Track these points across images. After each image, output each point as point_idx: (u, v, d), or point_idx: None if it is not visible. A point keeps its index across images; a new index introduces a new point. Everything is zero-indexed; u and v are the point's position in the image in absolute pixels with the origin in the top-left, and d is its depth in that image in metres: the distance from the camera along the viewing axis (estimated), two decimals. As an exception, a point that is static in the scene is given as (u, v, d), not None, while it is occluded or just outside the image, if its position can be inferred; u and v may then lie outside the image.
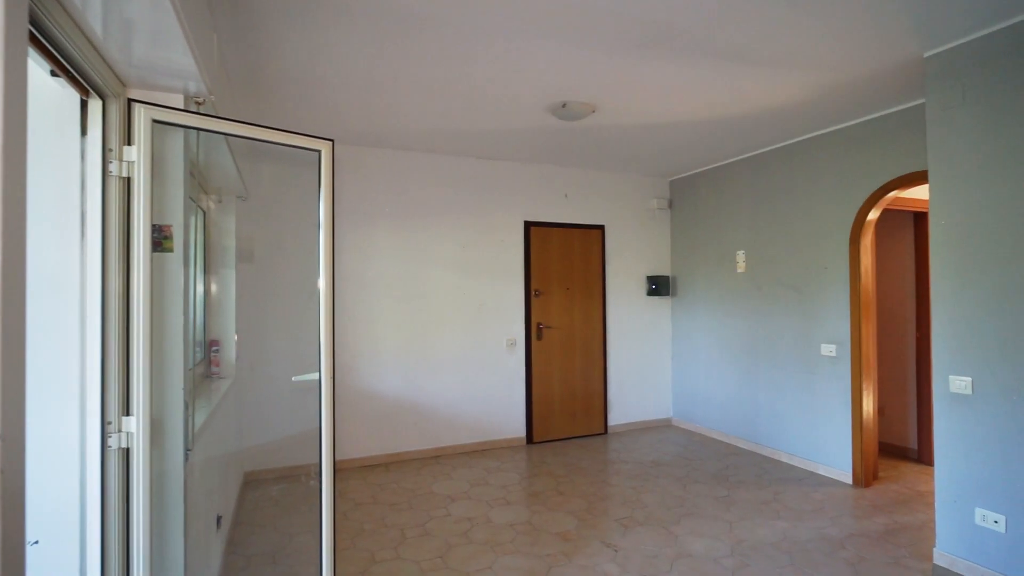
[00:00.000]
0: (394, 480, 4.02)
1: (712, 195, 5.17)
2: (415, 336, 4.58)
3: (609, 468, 4.27)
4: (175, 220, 1.78)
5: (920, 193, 4.06)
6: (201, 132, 1.98)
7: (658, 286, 5.53)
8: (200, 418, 2.22)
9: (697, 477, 4.03)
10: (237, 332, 3.57)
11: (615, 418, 5.40)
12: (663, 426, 5.57)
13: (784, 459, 4.37)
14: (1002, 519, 2.50)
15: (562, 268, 5.18)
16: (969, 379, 2.61)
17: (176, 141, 1.79)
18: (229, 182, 3.30)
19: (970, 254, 2.61)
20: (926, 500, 3.55)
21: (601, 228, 5.37)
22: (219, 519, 2.69)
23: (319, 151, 2.06)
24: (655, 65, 2.90)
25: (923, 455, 4.36)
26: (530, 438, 4.98)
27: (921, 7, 2.33)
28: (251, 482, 3.98)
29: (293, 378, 1.94)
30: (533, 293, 5.03)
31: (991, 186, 2.53)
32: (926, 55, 2.79)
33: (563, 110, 3.49)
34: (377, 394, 4.44)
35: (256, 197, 4.02)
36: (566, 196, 5.21)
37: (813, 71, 2.99)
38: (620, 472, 4.16)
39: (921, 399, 4.41)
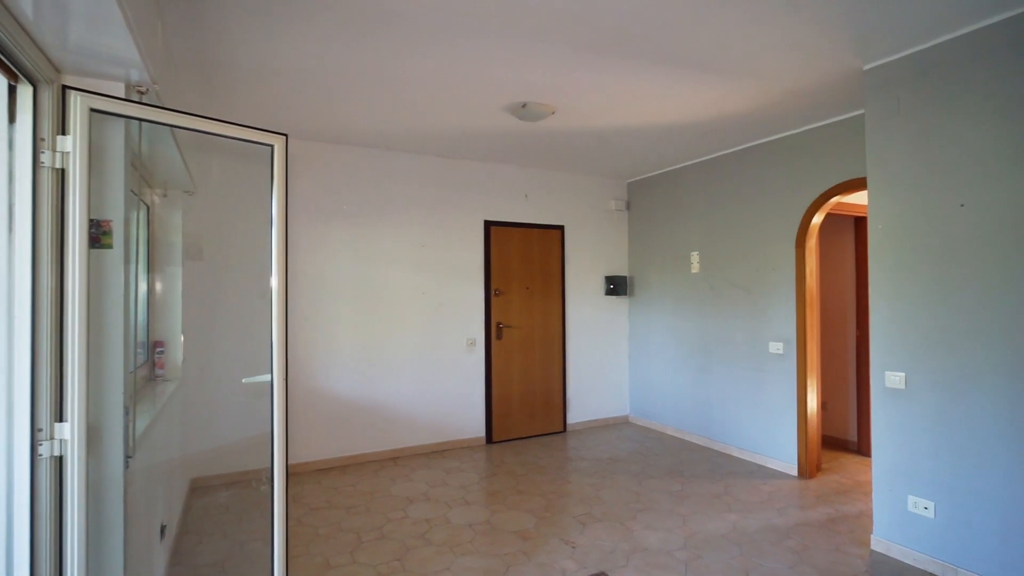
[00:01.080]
0: (351, 483, 3.95)
1: (668, 197, 5.30)
2: (373, 336, 4.51)
3: (568, 466, 4.32)
4: (115, 215, 1.68)
5: (860, 199, 4.28)
6: (145, 123, 1.88)
7: (616, 286, 5.63)
8: (142, 423, 2.11)
9: (653, 473, 4.12)
10: (184, 333, 3.42)
11: (574, 416, 5.47)
12: (621, 423, 5.67)
13: (735, 453, 4.52)
14: (932, 505, 2.67)
15: (522, 268, 5.20)
16: (903, 374, 2.77)
17: (116, 132, 1.70)
18: (175, 176, 3.16)
19: (904, 257, 2.78)
20: (864, 489, 3.74)
21: (561, 228, 5.43)
22: (163, 528, 2.57)
23: (272, 146, 2.00)
24: (614, 70, 2.95)
25: (862, 447, 4.60)
26: (490, 438, 4.98)
27: (861, 23, 2.46)
28: (198, 489, 3.83)
29: (244, 380, 1.87)
30: (493, 292, 5.03)
31: (923, 193, 2.70)
32: (866, 68, 2.94)
33: (523, 110, 3.51)
34: (333, 395, 4.35)
35: (205, 192, 3.86)
36: (526, 196, 5.24)
37: (763, 80, 3.11)
38: (579, 470, 4.22)
39: (860, 394, 4.65)
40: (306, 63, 2.85)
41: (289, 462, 4.15)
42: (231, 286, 3.97)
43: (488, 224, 5.03)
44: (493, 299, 5.03)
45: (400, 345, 4.62)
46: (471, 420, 4.93)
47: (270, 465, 1.99)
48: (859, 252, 4.65)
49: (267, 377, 2.00)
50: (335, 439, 4.35)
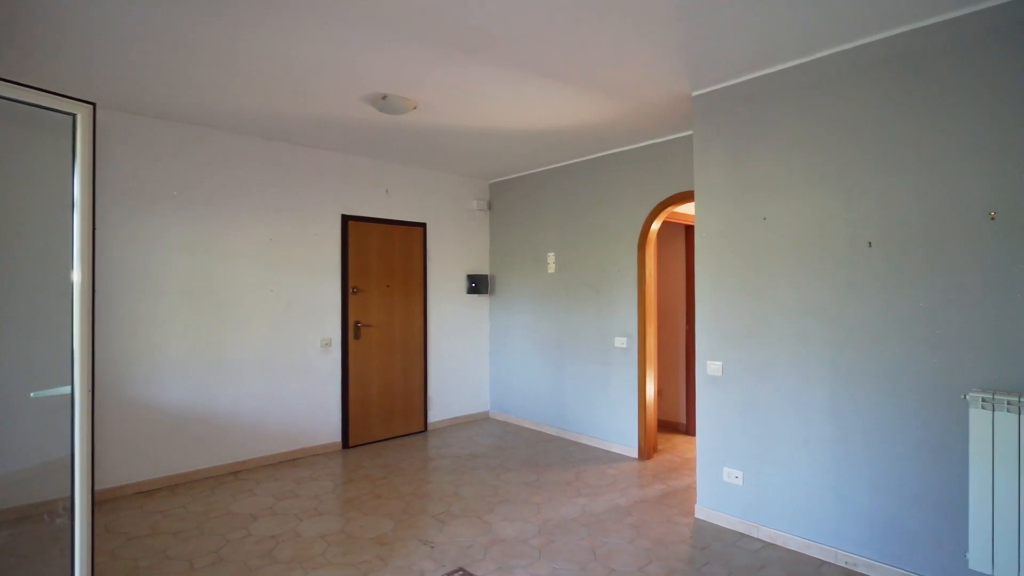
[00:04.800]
0: (181, 504, 3.50)
1: (528, 200, 5.51)
2: (210, 338, 4.04)
3: (428, 465, 4.28)
4: None
5: (690, 209, 4.85)
6: None
7: (478, 284, 5.71)
8: None
9: (510, 466, 4.26)
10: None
11: (435, 415, 5.44)
12: (481, 419, 5.78)
13: (586, 441, 4.85)
14: (741, 475, 3.11)
15: (382, 265, 5.04)
16: (720, 363, 3.20)
17: None
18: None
19: (722, 262, 3.20)
20: (691, 466, 4.25)
21: (423, 226, 5.36)
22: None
23: (75, 115, 1.69)
24: (477, 71, 2.98)
25: (690, 428, 5.22)
26: (346, 442, 4.76)
27: (690, 55, 2.78)
28: (-29, 530, 3.11)
29: (32, 394, 1.54)
30: (351, 290, 4.81)
31: (736, 206, 3.13)
32: (694, 94, 3.33)
33: (383, 103, 3.40)
34: (159, 406, 3.82)
35: (-18, 165, 3.15)
36: (387, 192, 5.09)
37: (614, 97, 3.37)
38: (439, 468, 4.21)
39: (689, 381, 5.27)
40: (137, 23, 2.45)
41: (99, 487, 3.56)
42: (18, 281, 3.28)
43: (346, 218, 4.79)
44: (351, 297, 4.81)
45: (244, 347, 4.21)
46: (326, 425, 4.66)
47: (70, 493, 1.68)
48: (689, 257, 5.26)
49: (66, 389, 1.69)
50: (162, 456, 3.83)
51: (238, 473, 4.10)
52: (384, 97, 3.36)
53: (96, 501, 3.54)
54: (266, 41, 2.64)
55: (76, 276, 1.70)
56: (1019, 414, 2.13)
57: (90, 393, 1.70)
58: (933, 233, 2.44)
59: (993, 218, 2.29)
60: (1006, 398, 2.17)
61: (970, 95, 2.35)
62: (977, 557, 2.23)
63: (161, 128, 3.85)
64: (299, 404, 4.50)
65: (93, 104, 1.72)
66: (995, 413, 2.19)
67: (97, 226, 3.58)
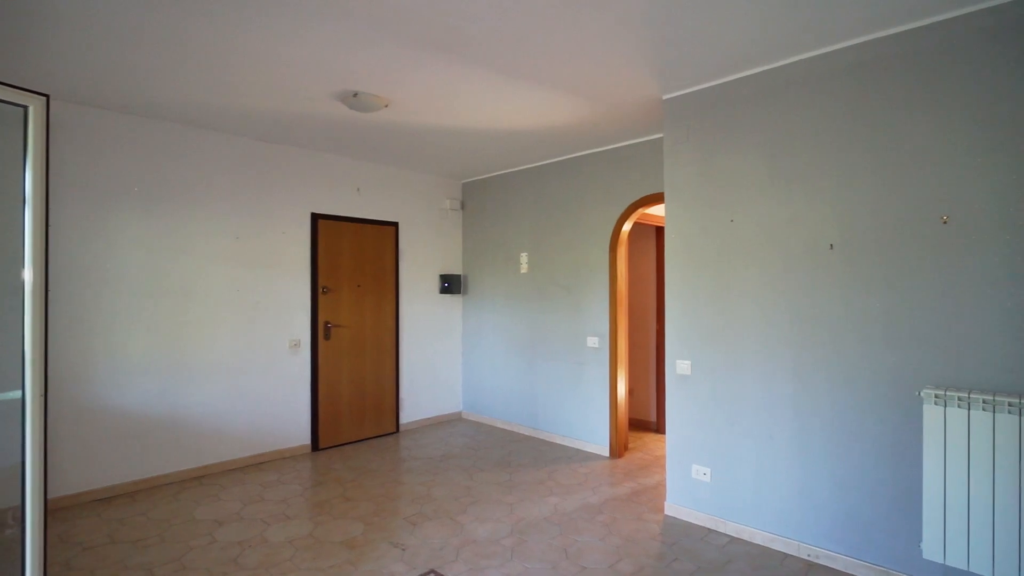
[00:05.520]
0: (142, 511, 3.39)
1: (501, 199, 5.51)
2: (173, 339, 3.92)
3: (400, 467, 4.24)
4: None
5: (661, 211, 4.92)
6: None
7: (450, 284, 5.69)
8: None
9: (483, 466, 4.25)
10: None
11: (407, 416, 5.40)
12: (454, 420, 5.75)
13: (558, 440, 4.88)
14: (709, 471, 3.17)
15: (353, 264, 4.97)
16: (689, 362, 3.26)
17: None
18: None
19: (691, 263, 3.26)
20: (661, 463, 4.32)
21: (395, 225, 5.31)
22: None
23: (26, 107, 1.62)
24: (451, 71, 2.97)
25: (660, 426, 5.30)
26: (316, 445, 4.68)
27: (661, 59, 2.82)
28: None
29: (-21, 399, 1.46)
30: (321, 290, 4.73)
31: (704, 209, 3.20)
32: (664, 98, 3.39)
33: (354, 100, 3.35)
34: (120, 409, 3.69)
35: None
36: (358, 190, 5.02)
37: (586, 99, 3.40)
38: (411, 469, 4.17)
39: (659, 380, 5.36)
40: (99, 13, 2.36)
41: (54, 495, 3.43)
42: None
43: (316, 217, 4.71)
44: (321, 297, 4.73)
45: (209, 348, 4.09)
46: (294, 427, 4.57)
47: (21, 501, 1.61)
48: (659, 257, 5.34)
49: (16, 394, 1.61)
50: (121, 461, 3.69)
51: (202, 478, 3.98)
52: (355, 94, 3.31)
53: (50, 509, 3.40)
54: (230, 34, 2.57)
55: (28, 275, 1.62)
56: (968, 410, 2.23)
57: (42, 398, 1.63)
58: (889, 236, 2.54)
59: (945, 222, 2.39)
60: (957, 394, 2.27)
61: (922, 104, 2.45)
62: (930, 547, 2.33)
63: (121, 122, 3.72)
64: (266, 406, 4.40)
65: (46, 96, 1.65)
66: (947, 409, 2.28)
67: (51, 223, 3.44)
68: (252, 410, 4.32)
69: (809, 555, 2.78)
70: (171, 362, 3.91)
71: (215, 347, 4.13)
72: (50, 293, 3.42)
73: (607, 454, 4.50)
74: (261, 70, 2.98)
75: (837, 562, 2.68)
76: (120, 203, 3.71)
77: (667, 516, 3.32)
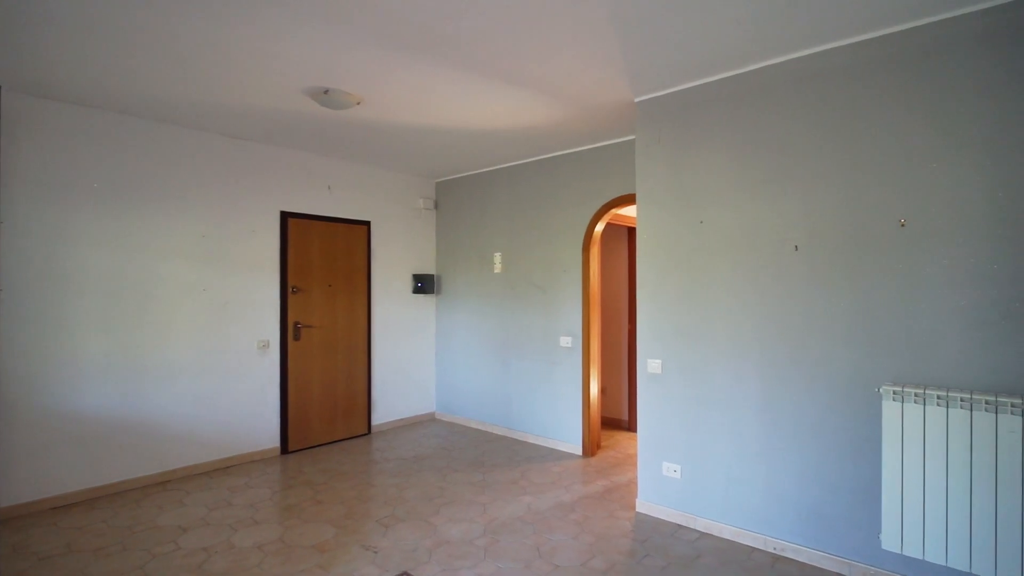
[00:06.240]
0: (101, 519, 3.27)
1: (475, 199, 5.50)
2: (135, 340, 3.79)
3: (372, 468, 4.19)
4: None
5: (633, 211, 4.98)
6: None
7: (424, 284, 5.65)
8: None
9: (456, 466, 4.23)
10: None
11: (379, 417, 5.34)
12: (427, 420, 5.72)
13: (532, 440, 4.90)
14: (679, 468, 3.23)
15: (324, 264, 4.89)
16: (660, 361, 3.31)
17: None
18: None
19: (662, 264, 3.31)
20: (633, 461, 4.37)
21: (367, 224, 5.25)
22: None
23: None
24: (424, 69, 2.95)
25: (632, 425, 5.37)
26: (285, 447, 4.59)
27: (633, 62, 2.86)
28: None
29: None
30: (290, 290, 4.64)
31: (675, 210, 3.25)
32: (636, 100, 3.43)
33: (325, 97, 3.30)
34: (78, 414, 3.55)
35: None
36: (329, 188, 4.94)
37: (560, 99, 3.41)
38: (383, 471, 4.13)
39: (631, 379, 5.42)
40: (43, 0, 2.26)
41: (6, 503, 3.28)
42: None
43: (286, 215, 4.62)
44: (291, 297, 4.64)
45: (174, 350, 3.97)
46: (263, 430, 4.47)
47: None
48: (631, 258, 5.41)
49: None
50: (80, 468, 3.56)
51: (166, 483, 3.87)
52: (326, 91, 3.26)
53: (2, 519, 3.25)
54: (196, 26, 2.50)
55: (-23, 274, 1.55)
56: (924, 405, 2.33)
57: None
58: (851, 238, 2.63)
59: (903, 225, 2.49)
60: (914, 390, 2.36)
61: (881, 112, 2.54)
62: (889, 537, 2.42)
63: (80, 115, 3.57)
64: (234, 408, 4.30)
65: (-2, 87, 1.58)
66: (904, 404, 2.37)
67: (2, 219, 3.29)
68: (219, 413, 4.21)
69: (775, 548, 2.85)
70: (133, 364, 3.78)
71: (180, 348, 4.01)
72: (2, 292, 3.27)
73: (580, 453, 4.54)
74: (228, 64, 2.91)
75: (802, 555, 2.76)
76: (79, 199, 3.57)
77: (639, 513, 3.37)
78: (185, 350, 4.03)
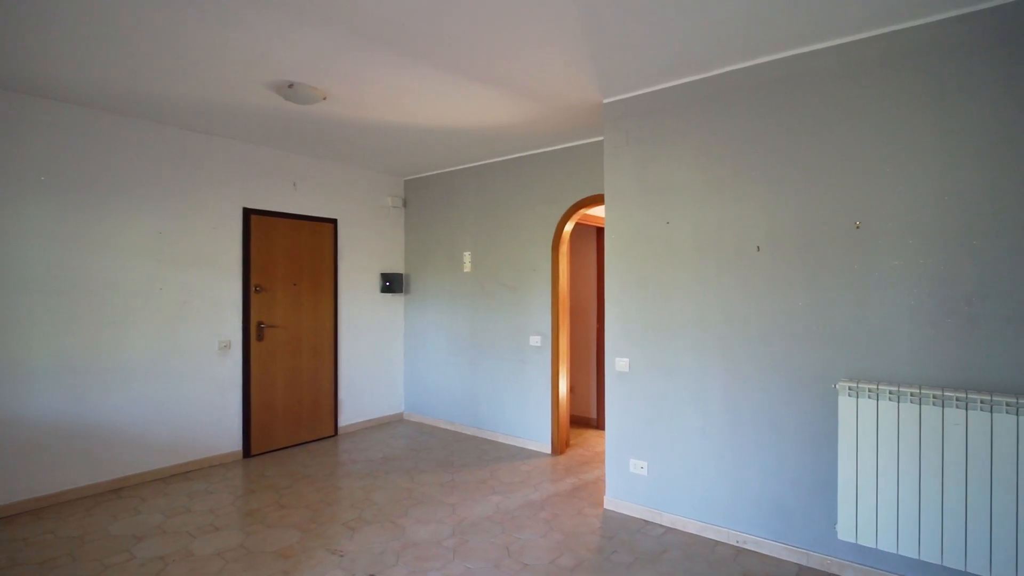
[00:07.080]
0: (49, 529, 3.11)
1: (444, 198, 5.46)
2: (87, 342, 3.62)
3: (339, 471, 4.12)
4: None
5: (601, 211, 5.03)
6: None
7: (392, 283, 5.58)
8: None
9: (425, 467, 4.20)
10: None
11: (346, 418, 5.25)
12: (395, 421, 5.65)
13: (501, 439, 4.90)
14: (646, 465, 3.28)
15: (289, 262, 4.78)
16: (627, 360, 3.35)
17: None
18: None
19: (629, 263, 3.35)
20: (601, 459, 4.42)
21: (334, 222, 5.15)
22: None
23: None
24: (392, 65, 2.91)
25: (600, 423, 5.42)
26: (248, 451, 4.46)
27: (601, 63, 2.89)
28: None
29: None
30: (254, 289, 4.51)
31: (642, 211, 3.30)
32: (605, 101, 3.46)
33: (290, 91, 3.22)
34: (20, 419, 3.36)
35: None
36: (295, 185, 4.83)
37: (530, 99, 3.42)
38: (350, 473, 4.06)
39: (599, 378, 5.48)
40: (-24, -19, 2.13)
41: (-56, 515, 3.08)
42: None
43: (248, 212, 4.49)
44: (254, 296, 4.51)
45: (129, 351, 3.81)
46: (224, 433, 4.34)
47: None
48: (599, 258, 5.47)
49: None
50: (23, 476, 3.38)
51: (120, 491, 3.71)
52: (291, 85, 3.18)
53: (-62, 532, 3.06)
54: (155, 11, 2.40)
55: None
56: (877, 400, 2.42)
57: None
58: (810, 239, 2.71)
59: (858, 227, 2.58)
60: (867, 386, 2.46)
61: (838, 118, 2.63)
62: (844, 528, 2.51)
63: (26, 105, 3.39)
64: (193, 411, 4.15)
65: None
66: (859, 400, 2.47)
67: (-60, 213, 3.09)
68: (176, 416, 4.06)
69: (738, 541, 2.93)
70: (84, 367, 3.61)
71: (135, 349, 3.85)
72: (-62, 291, 3.08)
73: (549, 451, 4.56)
74: (189, 54, 2.81)
75: (763, 547, 2.84)
76: (25, 193, 3.38)
77: (607, 510, 3.41)
78: (140, 351, 3.88)
